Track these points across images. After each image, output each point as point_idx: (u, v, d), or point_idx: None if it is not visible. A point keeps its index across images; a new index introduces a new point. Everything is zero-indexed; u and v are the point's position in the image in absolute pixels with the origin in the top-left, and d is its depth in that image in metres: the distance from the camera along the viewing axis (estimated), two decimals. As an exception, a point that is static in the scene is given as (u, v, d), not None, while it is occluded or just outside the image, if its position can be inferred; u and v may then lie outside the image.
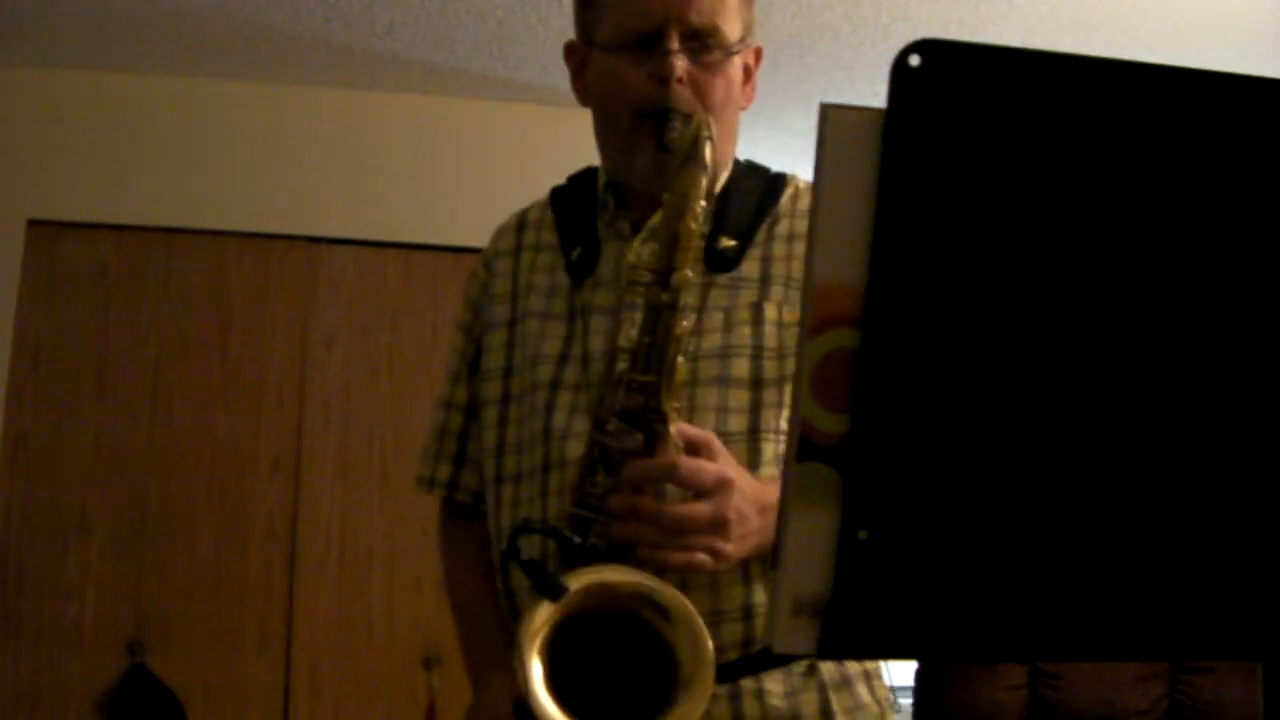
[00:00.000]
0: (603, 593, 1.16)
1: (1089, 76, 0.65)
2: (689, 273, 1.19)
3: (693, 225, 1.18)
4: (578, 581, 1.15)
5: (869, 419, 0.64)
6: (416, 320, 3.61)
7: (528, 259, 1.44)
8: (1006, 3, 3.07)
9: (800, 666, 1.28)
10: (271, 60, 3.44)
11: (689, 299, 1.22)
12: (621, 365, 1.24)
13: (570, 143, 3.54)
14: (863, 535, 0.64)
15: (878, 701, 1.31)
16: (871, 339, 0.64)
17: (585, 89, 1.40)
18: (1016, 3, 3.07)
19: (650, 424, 1.19)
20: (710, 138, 1.19)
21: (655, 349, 1.19)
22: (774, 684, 1.26)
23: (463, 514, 1.47)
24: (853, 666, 1.31)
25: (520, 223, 1.49)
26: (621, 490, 1.18)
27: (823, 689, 1.27)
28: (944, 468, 0.65)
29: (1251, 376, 0.68)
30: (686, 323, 1.21)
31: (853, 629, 0.65)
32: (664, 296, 1.19)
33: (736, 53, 1.32)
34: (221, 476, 3.43)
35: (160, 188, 3.50)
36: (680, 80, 1.28)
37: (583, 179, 1.47)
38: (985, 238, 0.65)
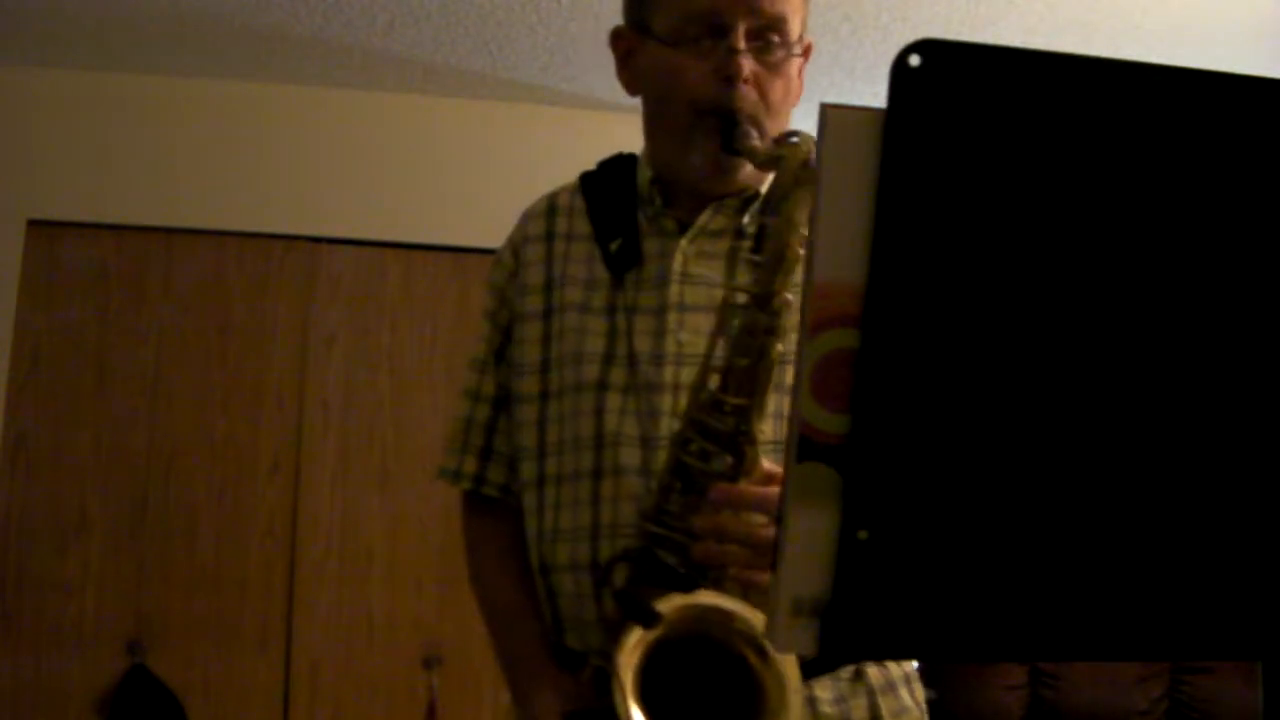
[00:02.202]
0: (690, 617, 1.14)
1: (1089, 76, 0.65)
2: (789, 296, 1.15)
3: (800, 250, 1.14)
4: (667, 606, 1.13)
5: (869, 419, 0.64)
6: (416, 320, 3.61)
7: (561, 247, 1.39)
8: (1006, 3, 3.07)
9: (847, 672, 1.26)
10: (271, 60, 3.44)
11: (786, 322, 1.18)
12: (670, 371, 1.24)
13: (570, 143, 3.55)
14: (863, 535, 0.64)
15: (918, 704, 1.30)
16: (871, 339, 0.64)
17: (634, 79, 1.35)
18: (1016, 3, 3.07)
19: (740, 446, 1.17)
20: None
21: (750, 371, 1.16)
22: (823, 691, 1.24)
23: (489, 509, 1.43)
24: (894, 670, 1.29)
25: (550, 208, 1.43)
26: (704, 511, 1.16)
27: (870, 694, 1.26)
28: (944, 468, 0.65)
29: (1251, 377, 0.68)
30: (782, 346, 1.17)
31: (852, 629, 0.65)
32: (763, 320, 1.15)
33: (798, 54, 1.30)
34: (221, 476, 3.43)
35: (160, 188, 3.50)
36: (747, 80, 1.24)
37: (616, 166, 1.42)
38: (985, 238, 0.65)
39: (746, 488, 1.16)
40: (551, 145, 3.58)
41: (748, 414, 1.17)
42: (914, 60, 0.62)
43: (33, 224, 3.43)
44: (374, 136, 3.65)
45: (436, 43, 3.32)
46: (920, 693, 1.32)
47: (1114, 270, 0.66)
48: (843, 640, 0.66)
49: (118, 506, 3.35)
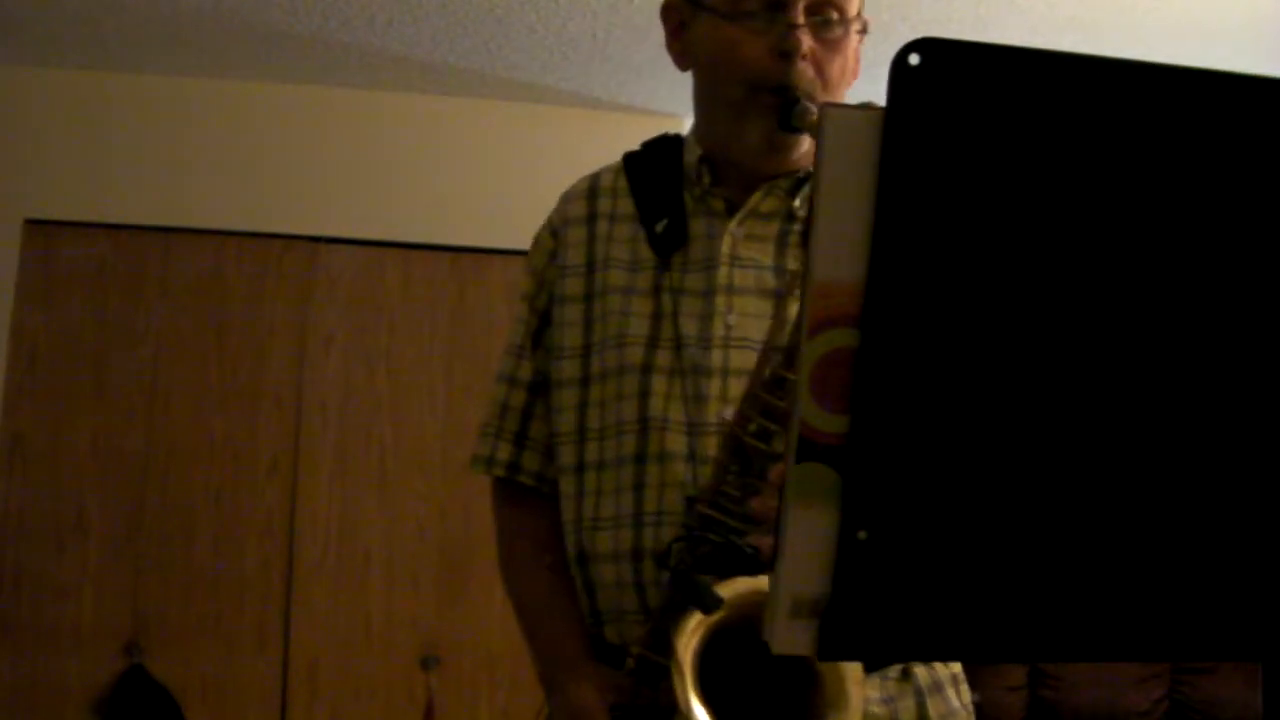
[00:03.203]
0: (746, 603, 1.10)
1: (1089, 75, 0.65)
2: None
3: None
4: (728, 590, 1.08)
5: (868, 419, 0.64)
6: (415, 320, 3.61)
7: (604, 228, 1.35)
8: (1007, 3, 3.07)
9: (894, 671, 1.22)
10: (269, 59, 3.44)
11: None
12: (708, 352, 1.21)
13: (569, 142, 3.55)
14: (862, 535, 0.64)
15: (965, 706, 1.27)
16: (871, 339, 0.64)
17: (685, 53, 1.32)
18: (1017, 3, 3.07)
19: None
20: None
21: None
22: (871, 690, 1.20)
23: (523, 499, 1.39)
24: (942, 671, 1.26)
25: (592, 189, 1.39)
26: (763, 495, 1.11)
27: (919, 694, 1.23)
28: (943, 468, 0.65)
29: (1251, 377, 0.67)
30: None
31: (852, 630, 0.65)
32: None
33: (857, 31, 1.27)
34: (219, 476, 3.43)
35: (158, 187, 3.50)
36: (804, 57, 1.21)
37: (661, 146, 1.39)
38: (985, 237, 0.64)
39: None
40: (550, 144, 3.58)
41: None
42: (913, 59, 0.62)
43: (30, 223, 3.43)
44: (372, 135, 3.65)
45: (435, 42, 3.31)
46: (966, 695, 1.29)
47: (1114, 270, 0.65)
48: (842, 641, 0.65)
49: (115, 507, 3.35)
